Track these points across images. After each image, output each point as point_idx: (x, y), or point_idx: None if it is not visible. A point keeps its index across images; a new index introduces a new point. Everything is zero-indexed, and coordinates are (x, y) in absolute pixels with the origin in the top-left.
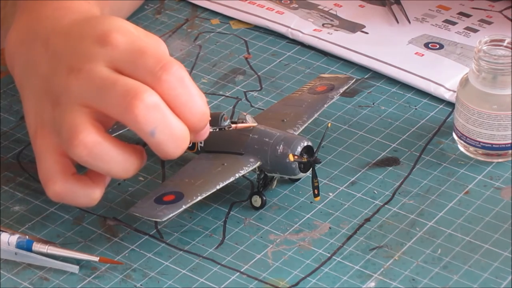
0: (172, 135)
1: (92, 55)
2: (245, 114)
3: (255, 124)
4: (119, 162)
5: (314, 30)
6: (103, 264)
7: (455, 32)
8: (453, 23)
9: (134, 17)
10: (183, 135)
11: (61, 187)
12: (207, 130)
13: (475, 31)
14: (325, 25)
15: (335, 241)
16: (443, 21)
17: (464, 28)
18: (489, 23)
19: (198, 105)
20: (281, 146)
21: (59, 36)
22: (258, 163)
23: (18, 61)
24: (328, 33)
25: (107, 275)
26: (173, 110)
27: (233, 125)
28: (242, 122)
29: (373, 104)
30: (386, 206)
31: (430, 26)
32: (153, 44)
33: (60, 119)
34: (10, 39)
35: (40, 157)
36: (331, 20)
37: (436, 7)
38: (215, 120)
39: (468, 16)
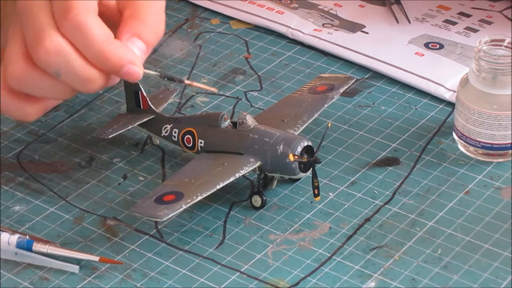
0: (77, 76)
1: None
2: (245, 114)
3: (210, 88)
4: (51, 87)
5: (314, 30)
6: (103, 264)
7: (455, 32)
8: (453, 23)
9: None
10: (90, 77)
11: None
12: (116, 77)
13: (475, 31)
14: (325, 25)
15: (335, 241)
16: (443, 21)
17: (464, 28)
18: (489, 23)
19: (95, 50)
20: (281, 146)
21: None
22: (258, 163)
23: None
24: (328, 33)
25: (107, 275)
26: (79, 52)
27: (187, 81)
28: (242, 122)
29: (373, 104)
30: (386, 206)
31: (430, 26)
32: None
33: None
34: None
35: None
36: (331, 20)
37: (436, 7)
38: (215, 120)
39: (468, 16)
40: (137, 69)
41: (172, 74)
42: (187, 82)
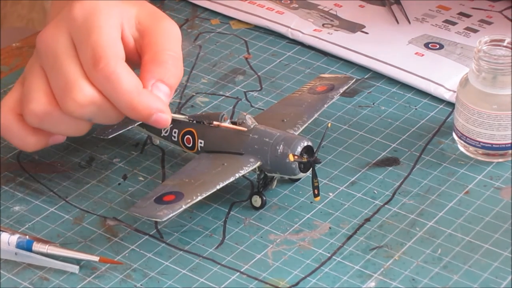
0: (108, 120)
1: (60, 17)
2: (245, 114)
3: (237, 127)
4: (69, 127)
5: (314, 30)
6: (103, 264)
7: (455, 32)
8: (453, 23)
9: None
10: (120, 117)
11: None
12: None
13: (475, 31)
14: (325, 25)
15: (335, 241)
16: (443, 21)
17: (464, 28)
18: (489, 23)
19: (125, 101)
20: (281, 146)
21: None
22: (258, 163)
23: None
24: (328, 33)
25: (107, 275)
26: (108, 99)
27: (215, 123)
28: (242, 123)
29: (373, 104)
30: (386, 206)
31: (430, 26)
32: (102, 26)
33: (25, 73)
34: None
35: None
36: (331, 20)
37: (436, 7)
38: (214, 120)
39: (468, 16)
40: (165, 116)
41: (201, 117)
42: (215, 123)
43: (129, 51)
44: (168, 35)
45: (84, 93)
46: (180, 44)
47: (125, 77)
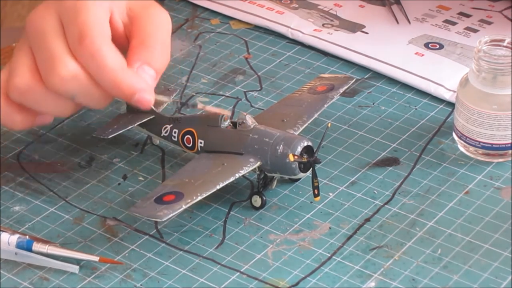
0: (91, 99)
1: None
2: (245, 114)
3: (222, 111)
4: (52, 105)
5: (314, 30)
6: (103, 264)
7: (455, 32)
8: (453, 23)
9: None
10: (103, 97)
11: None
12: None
13: (475, 31)
14: (325, 25)
15: (335, 241)
16: (443, 21)
17: (464, 28)
18: (489, 23)
19: (108, 78)
20: (281, 146)
21: None
22: (258, 163)
23: None
24: (328, 33)
25: (107, 275)
26: (92, 76)
27: (200, 106)
28: (242, 123)
29: (373, 104)
30: (386, 206)
31: (430, 26)
32: (90, 7)
33: (13, 53)
34: None
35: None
36: (331, 20)
37: (436, 7)
38: (214, 120)
39: (468, 16)
40: (147, 97)
41: (187, 102)
42: (200, 106)
43: (118, 36)
44: (157, 22)
45: (68, 68)
46: (169, 32)
47: (110, 55)
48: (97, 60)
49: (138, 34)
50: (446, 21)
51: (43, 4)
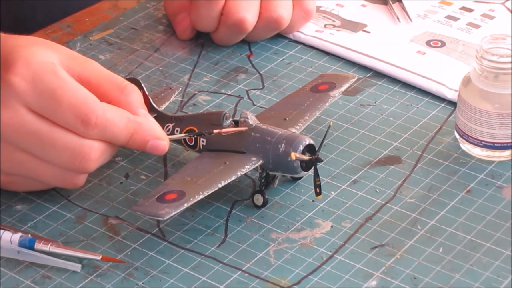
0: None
1: (5, 95)
2: (247, 112)
3: (236, 129)
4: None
5: (316, 31)
6: (105, 263)
7: (457, 28)
8: (455, 19)
9: (136, 16)
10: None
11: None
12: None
13: (477, 26)
14: (326, 26)
15: (337, 239)
16: (445, 17)
17: (466, 24)
18: (491, 17)
19: (125, 138)
20: (283, 144)
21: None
22: (260, 162)
23: None
24: (330, 33)
25: (109, 274)
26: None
27: (216, 131)
28: (244, 121)
29: (375, 102)
30: (387, 204)
31: (432, 23)
32: (60, 83)
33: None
34: None
35: None
36: (333, 21)
37: (438, 2)
38: (217, 118)
39: (470, 10)
40: (162, 143)
41: (202, 131)
42: (216, 132)
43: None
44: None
45: (96, 150)
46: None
47: (117, 116)
48: (111, 128)
49: (109, 84)
50: (448, 17)
51: (3, 106)
